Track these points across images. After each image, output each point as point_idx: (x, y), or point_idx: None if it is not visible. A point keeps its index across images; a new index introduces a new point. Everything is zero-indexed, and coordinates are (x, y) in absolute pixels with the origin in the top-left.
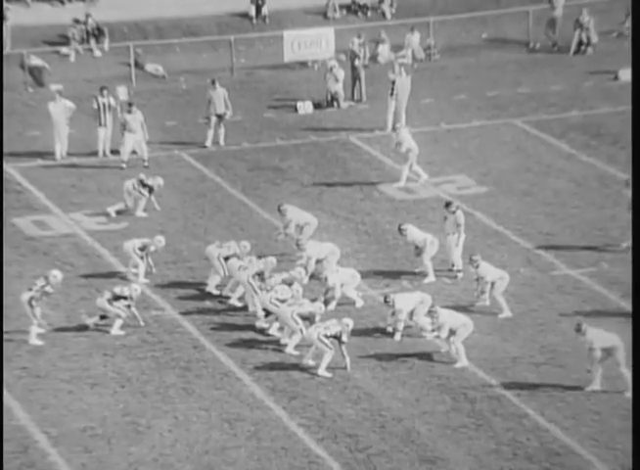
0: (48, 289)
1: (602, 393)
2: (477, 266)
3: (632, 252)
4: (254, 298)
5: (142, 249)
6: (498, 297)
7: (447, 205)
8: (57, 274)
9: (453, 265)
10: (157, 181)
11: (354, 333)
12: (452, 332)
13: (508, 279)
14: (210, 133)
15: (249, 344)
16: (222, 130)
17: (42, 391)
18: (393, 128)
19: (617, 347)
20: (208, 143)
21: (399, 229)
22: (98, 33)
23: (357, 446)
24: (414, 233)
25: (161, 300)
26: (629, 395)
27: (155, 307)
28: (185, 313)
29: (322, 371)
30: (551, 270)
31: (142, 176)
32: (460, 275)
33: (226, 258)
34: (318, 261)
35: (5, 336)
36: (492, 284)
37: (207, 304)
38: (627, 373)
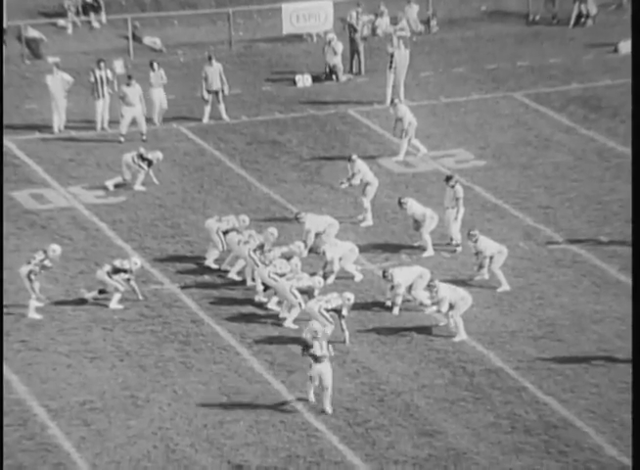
0: (47, 263)
1: (600, 366)
2: (475, 241)
3: (632, 250)
4: (255, 272)
5: None
6: (496, 271)
7: (447, 178)
8: (56, 248)
9: (452, 239)
10: (156, 155)
11: (353, 307)
12: (451, 306)
13: (506, 253)
14: (207, 110)
15: (247, 318)
16: (222, 106)
17: (41, 364)
18: (392, 103)
19: None
20: (205, 120)
21: (399, 202)
22: (97, 5)
23: (356, 419)
24: (414, 206)
25: (160, 274)
26: None
27: (153, 281)
28: (184, 287)
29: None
30: (550, 244)
31: (141, 150)
32: (459, 249)
33: (225, 232)
34: (317, 235)
35: (4, 310)
36: (491, 258)
37: (206, 278)
38: None
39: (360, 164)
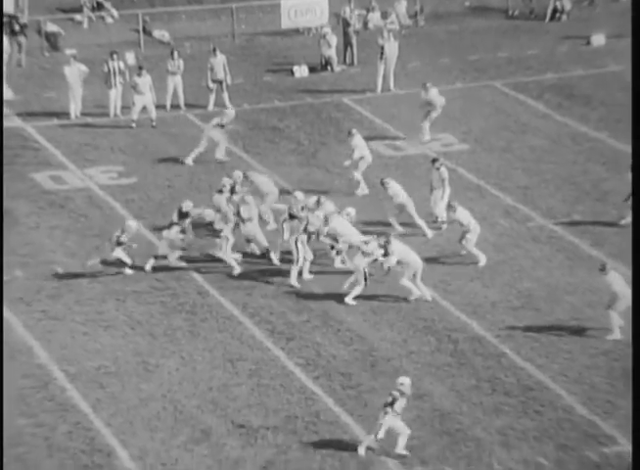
0: (123, 238)
1: (573, 334)
2: (454, 211)
3: (632, 248)
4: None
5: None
6: (471, 248)
7: (433, 161)
8: (131, 224)
9: (437, 217)
10: (230, 115)
11: (345, 280)
12: (399, 262)
13: (479, 230)
14: (212, 98)
15: (249, 290)
16: (226, 94)
17: (60, 332)
18: (424, 88)
19: (623, 295)
20: (210, 107)
21: (382, 183)
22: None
23: (350, 383)
24: (395, 187)
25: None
26: (612, 337)
27: (163, 257)
28: (191, 261)
29: (349, 300)
30: (527, 221)
31: (218, 119)
32: (444, 227)
33: (232, 193)
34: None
35: (25, 282)
36: (465, 233)
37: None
38: (619, 320)
39: (358, 139)
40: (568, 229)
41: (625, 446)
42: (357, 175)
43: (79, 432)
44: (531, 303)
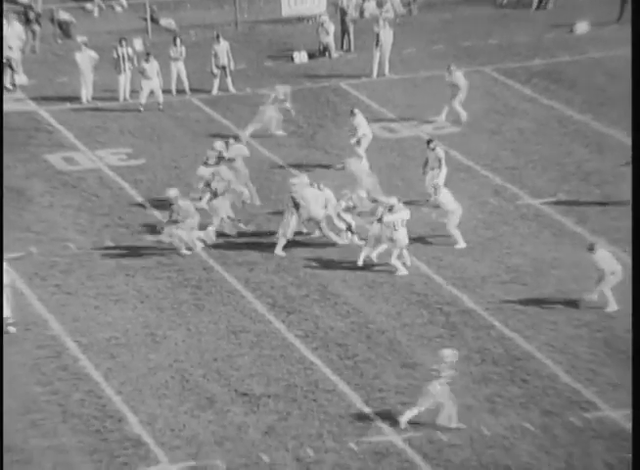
0: (180, 218)
1: (558, 307)
2: (437, 193)
3: (632, 249)
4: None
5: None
6: (452, 230)
7: (427, 142)
8: (182, 204)
9: (431, 196)
10: (283, 90)
11: (342, 256)
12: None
13: (460, 213)
14: (216, 83)
15: (252, 266)
16: (229, 79)
17: (73, 305)
18: (448, 70)
19: (611, 272)
20: (214, 91)
21: (343, 163)
22: None
23: (346, 354)
24: (353, 165)
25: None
26: (609, 310)
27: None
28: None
29: (362, 257)
30: (516, 200)
31: (276, 94)
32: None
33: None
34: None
35: (40, 258)
36: (447, 215)
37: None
38: (610, 295)
39: (360, 118)
40: (553, 207)
41: (606, 412)
42: (360, 152)
43: (92, 399)
44: (519, 277)
